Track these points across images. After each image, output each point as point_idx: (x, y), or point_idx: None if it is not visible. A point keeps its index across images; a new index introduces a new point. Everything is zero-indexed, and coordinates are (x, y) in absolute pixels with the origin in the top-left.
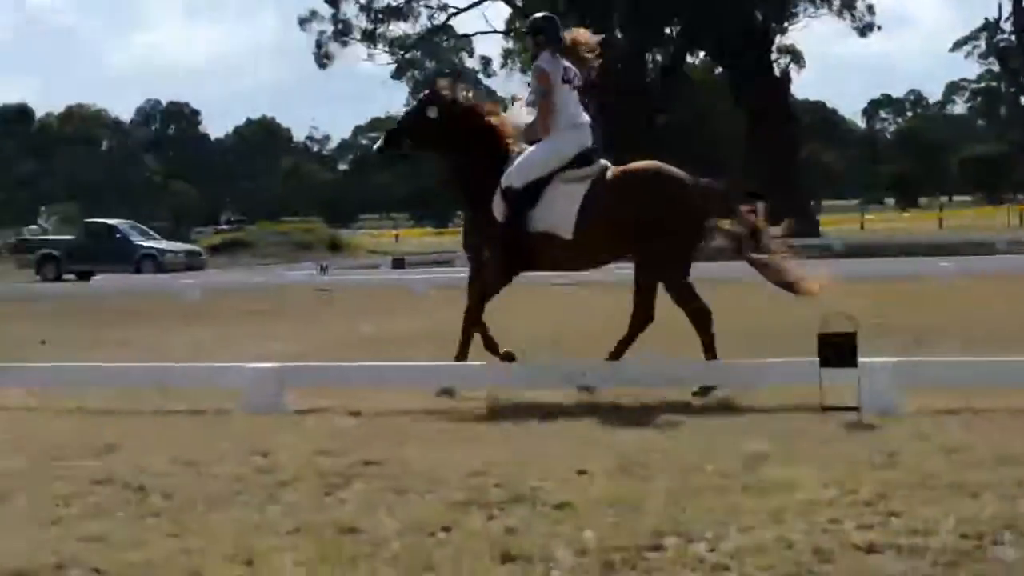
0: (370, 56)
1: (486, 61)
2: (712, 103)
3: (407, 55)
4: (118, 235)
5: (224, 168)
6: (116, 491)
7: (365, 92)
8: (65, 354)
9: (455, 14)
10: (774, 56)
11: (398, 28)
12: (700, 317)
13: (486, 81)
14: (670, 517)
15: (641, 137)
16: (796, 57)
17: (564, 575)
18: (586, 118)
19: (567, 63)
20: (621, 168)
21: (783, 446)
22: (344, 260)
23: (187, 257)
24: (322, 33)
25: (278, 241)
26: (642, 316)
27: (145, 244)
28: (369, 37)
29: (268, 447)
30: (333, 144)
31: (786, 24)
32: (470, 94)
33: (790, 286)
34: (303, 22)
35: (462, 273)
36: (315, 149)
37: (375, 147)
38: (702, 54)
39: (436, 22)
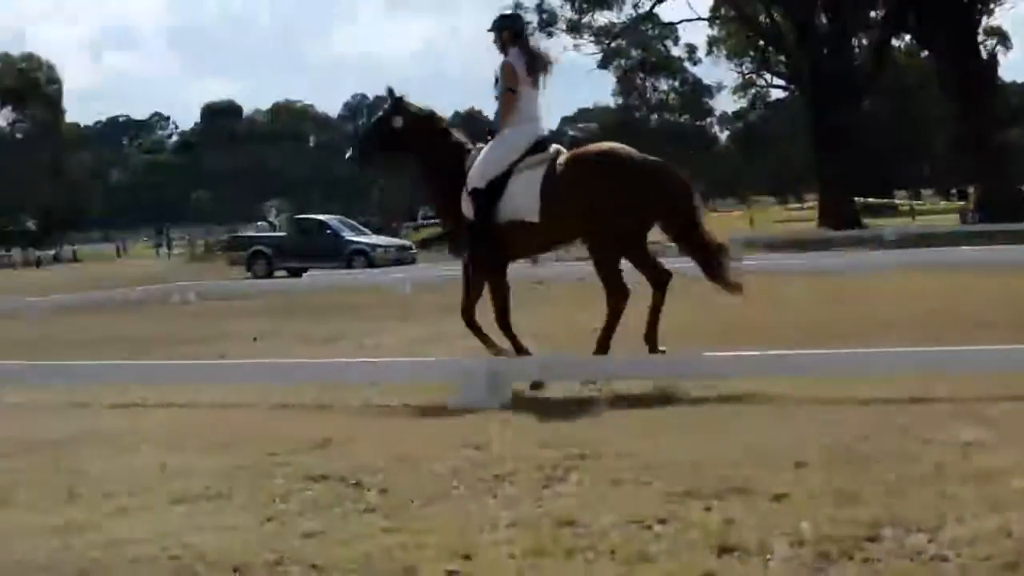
0: (576, 46)
1: (691, 48)
2: (917, 87)
3: (612, 44)
4: (328, 231)
5: None
6: (332, 487)
7: (570, 82)
8: (278, 350)
9: (660, 1)
10: (980, 38)
11: (603, 17)
12: (617, 303)
13: (692, 68)
14: (887, 508)
15: (846, 121)
16: (1003, 38)
17: (781, 566)
18: (540, 112)
19: (531, 54)
20: (573, 151)
21: (998, 434)
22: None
23: (397, 252)
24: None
25: None
26: (663, 279)
27: (355, 239)
28: (574, 27)
29: (484, 441)
30: None
31: (992, 5)
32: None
33: (726, 283)
34: None
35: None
36: None
37: (347, 157)
38: (907, 37)
39: (641, 10)
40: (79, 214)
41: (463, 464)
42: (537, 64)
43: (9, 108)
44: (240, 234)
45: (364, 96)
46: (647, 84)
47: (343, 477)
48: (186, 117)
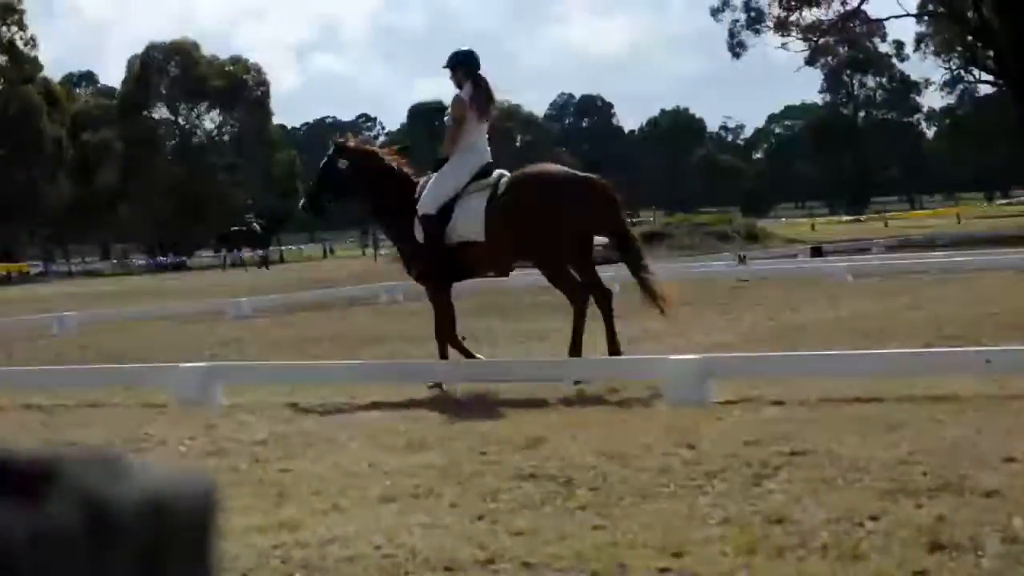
0: (783, 44)
1: (899, 45)
2: None
3: (819, 41)
4: None
5: (637, 160)
6: (542, 485)
7: (778, 80)
8: (486, 349)
9: None
10: None
11: (811, 14)
12: (580, 308)
13: (899, 65)
14: None
15: None
16: None
17: (993, 563)
18: (484, 141)
19: (480, 90)
20: (512, 174)
21: None
22: (762, 250)
23: (605, 250)
24: (735, 22)
25: (695, 232)
26: (599, 295)
27: None
28: (782, 25)
29: (693, 438)
30: (747, 133)
31: None
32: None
33: (655, 299)
34: (715, 12)
35: (876, 261)
36: (729, 139)
37: (300, 206)
38: None
39: (849, 7)
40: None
41: (672, 462)
42: (484, 99)
43: (217, 111)
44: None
45: (571, 95)
46: (854, 81)
47: (553, 475)
48: (392, 118)
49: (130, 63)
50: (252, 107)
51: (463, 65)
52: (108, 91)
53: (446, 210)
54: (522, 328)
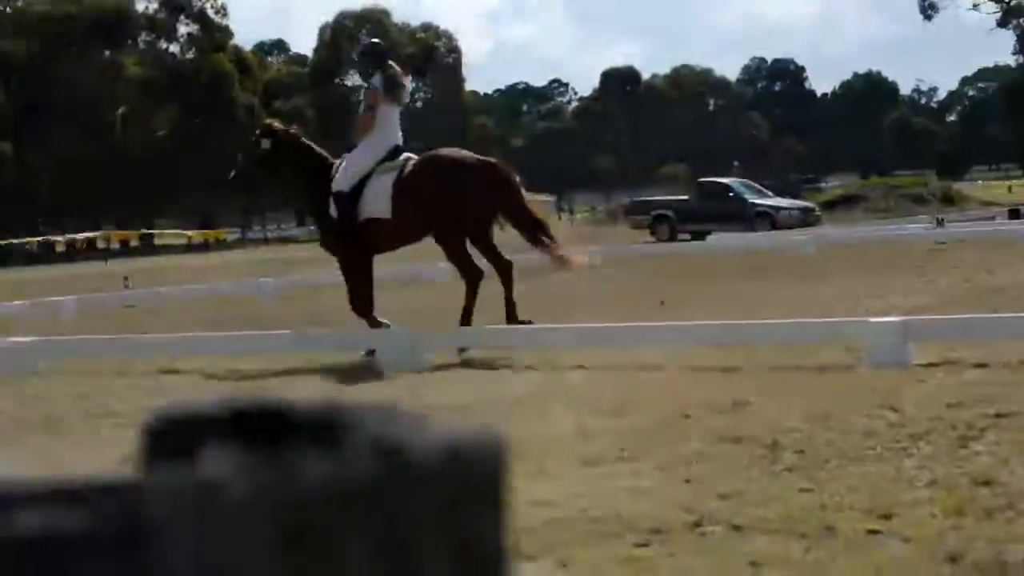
0: (975, 5)
1: None
2: None
3: (1012, 2)
4: (731, 194)
5: (830, 124)
6: (748, 448)
7: (971, 42)
8: (684, 313)
9: None
10: None
11: None
12: (473, 282)
13: None
14: None
15: None
16: None
17: None
18: (395, 125)
19: (390, 79)
20: (420, 155)
21: None
22: (958, 212)
23: (801, 214)
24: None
25: (890, 195)
26: (500, 267)
27: (759, 202)
28: None
29: (896, 401)
30: (940, 96)
31: None
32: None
33: (561, 260)
34: None
35: None
36: (922, 102)
37: (230, 178)
38: None
39: None
40: None
41: (877, 424)
42: (394, 87)
43: (408, 78)
44: (643, 198)
45: (763, 60)
46: None
47: (758, 438)
48: (585, 83)
49: (321, 31)
50: (444, 74)
51: (371, 56)
52: (299, 59)
53: (358, 189)
54: (719, 292)
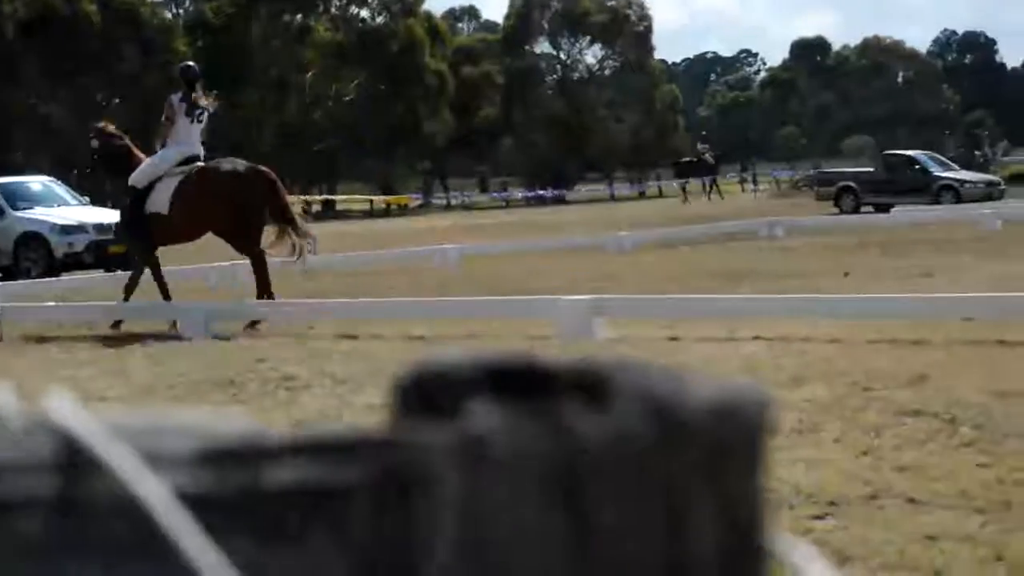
0: None
1: None
2: None
3: None
4: (916, 166)
5: (1021, 98)
6: (927, 421)
7: None
8: (868, 285)
9: None
10: None
11: None
12: (259, 263)
13: None
14: None
15: None
16: None
17: None
18: (194, 137)
19: (190, 99)
20: (203, 164)
21: None
22: None
23: (986, 187)
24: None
25: None
26: (253, 257)
27: (944, 175)
28: None
29: None
30: None
31: None
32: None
33: (300, 261)
34: None
35: None
36: None
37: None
38: None
39: None
40: (666, 151)
41: None
42: (192, 110)
43: (598, 45)
44: (828, 170)
45: (953, 31)
46: None
47: (937, 412)
48: (774, 53)
49: None
50: (634, 42)
51: (184, 76)
52: (490, 25)
53: (149, 187)
54: (902, 265)
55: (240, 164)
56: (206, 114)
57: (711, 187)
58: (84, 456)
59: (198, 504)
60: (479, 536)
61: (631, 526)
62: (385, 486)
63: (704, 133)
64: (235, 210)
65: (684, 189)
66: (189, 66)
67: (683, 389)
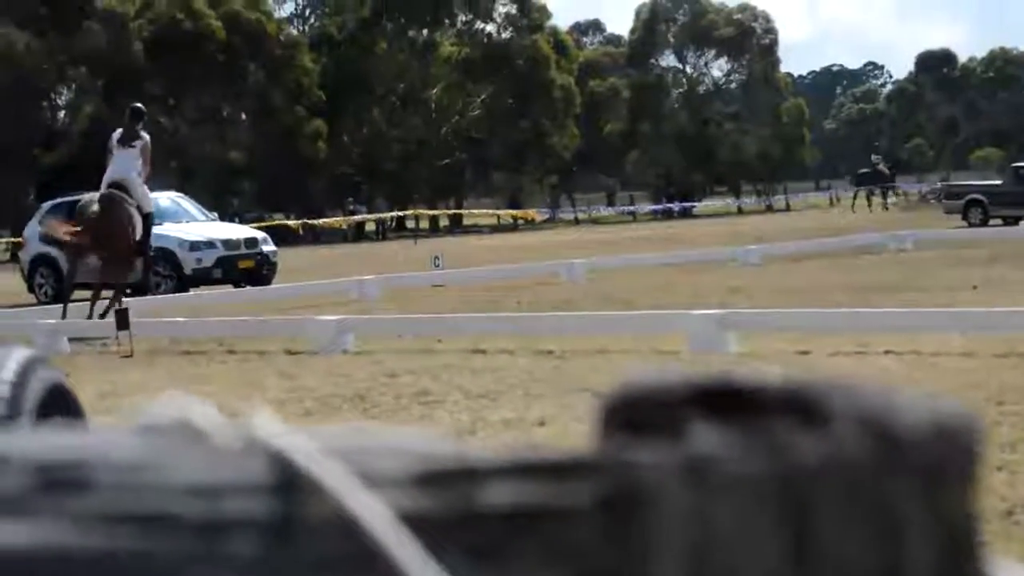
0: None
1: None
2: None
3: None
4: None
5: None
6: None
7: None
8: (998, 298)
9: None
10: None
11: None
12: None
13: None
14: None
15: None
16: None
17: None
18: (127, 166)
19: (127, 134)
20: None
21: None
22: None
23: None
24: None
25: None
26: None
27: None
28: None
29: None
30: None
31: None
32: None
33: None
34: None
35: None
36: None
37: None
38: None
39: None
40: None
41: None
42: (125, 140)
43: (724, 59)
44: (956, 182)
45: None
46: None
47: None
48: (900, 66)
49: (638, 11)
50: (760, 55)
51: (131, 115)
52: (614, 39)
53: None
54: None
55: (93, 196)
56: (136, 146)
57: (886, 196)
58: (302, 477)
59: (416, 524)
60: (704, 557)
61: (849, 547)
62: (610, 507)
63: (876, 144)
64: (88, 238)
65: (868, 197)
66: (135, 109)
67: (896, 408)
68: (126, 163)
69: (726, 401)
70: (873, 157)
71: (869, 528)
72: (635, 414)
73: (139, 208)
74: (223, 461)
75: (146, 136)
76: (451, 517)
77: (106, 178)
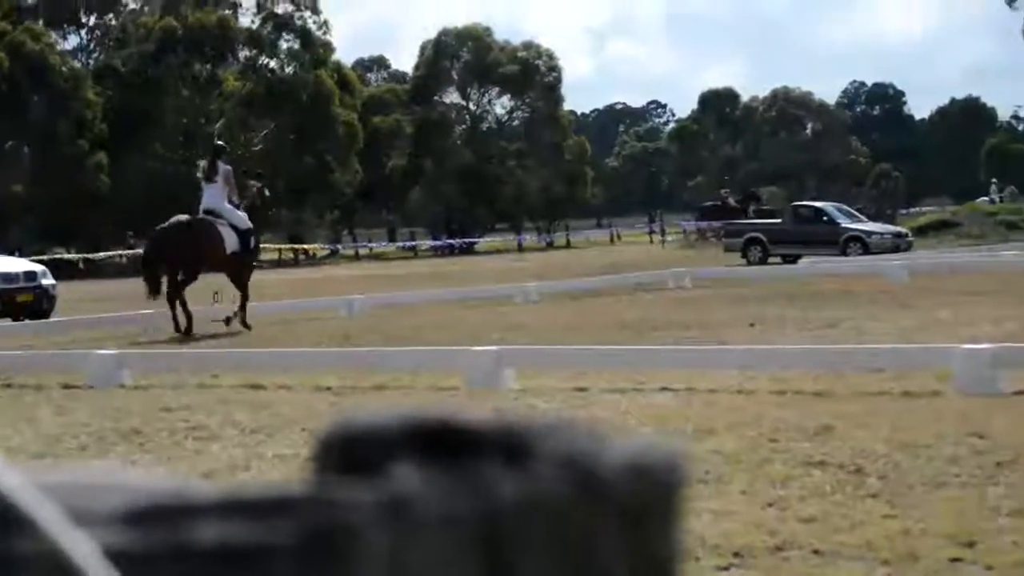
0: None
1: None
2: None
3: None
4: (824, 217)
5: (927, 149)
6: (832, 473)
7: None
8: (774, 336)
9: None
10: None
11: None
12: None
13: None
14: None
15: None
16: None
17: None
18: (215, 197)
19: (210, 167)
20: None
21: None
22: None
23: (894, 239)
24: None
25: (985, 222)
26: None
27: (852, 226)
28: None
29: (984, 428)
30: None
31: None
32: None
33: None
34: (1012, 0)
35: None
36: (1021, 128)
37: None
38: None
39: None
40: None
41: (963, 451)
42: (209, 176)
43: (507, 96)
44: (736, 221)
45: (862, 83)
46: None
47: (843, 463)
48: (683, 104)
49: (423, 48)
50: (543, 93)
51: (213, 151)
52: (399, 76)
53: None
54: (809, 316)
55: (179, 219)
56: (219, 175)
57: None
58: (13, 513)
59: (124, 561)
60: None
61: None
62: (311, 545)
63: (727, 178)
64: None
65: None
66: (219, 146)
67: (601, 448)
68: (214, 196)
69: (439, 440)
70: (722, 191)
71: (569, 567)
72: (349, 452)
73: (234, 227)
74: None
75: (227, 167)
76: (160, 553)
77: (201, 208)
